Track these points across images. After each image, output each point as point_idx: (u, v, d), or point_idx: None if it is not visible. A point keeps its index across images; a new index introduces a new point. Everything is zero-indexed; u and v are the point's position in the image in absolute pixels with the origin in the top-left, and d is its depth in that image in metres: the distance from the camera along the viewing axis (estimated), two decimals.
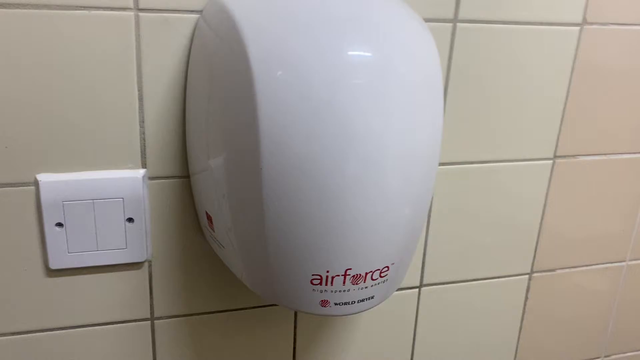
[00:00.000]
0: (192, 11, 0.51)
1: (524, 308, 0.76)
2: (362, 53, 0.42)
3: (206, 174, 0.49)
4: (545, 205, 0.71)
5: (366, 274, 0.46)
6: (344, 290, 0.46)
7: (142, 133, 0.53)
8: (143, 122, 0.53)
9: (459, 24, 0.59)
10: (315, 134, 0.40)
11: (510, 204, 0.69)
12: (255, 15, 0.43)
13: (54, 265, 0.54)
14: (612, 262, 0.78)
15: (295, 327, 0.65)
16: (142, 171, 0.54)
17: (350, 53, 0.41)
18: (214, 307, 0.61)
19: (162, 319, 0.60)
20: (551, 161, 0.69)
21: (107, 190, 0.53)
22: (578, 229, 0.74)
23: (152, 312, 0.59)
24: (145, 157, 0.54)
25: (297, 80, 0.40)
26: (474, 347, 0.76)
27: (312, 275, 0.45)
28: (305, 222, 0.43)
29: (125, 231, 0.55)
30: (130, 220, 0.54)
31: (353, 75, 0.41)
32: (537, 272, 0.74)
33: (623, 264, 0.79)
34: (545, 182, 0.69)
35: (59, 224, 0.53)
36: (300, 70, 0.40)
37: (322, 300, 0.46)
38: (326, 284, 0.45)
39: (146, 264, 0.57)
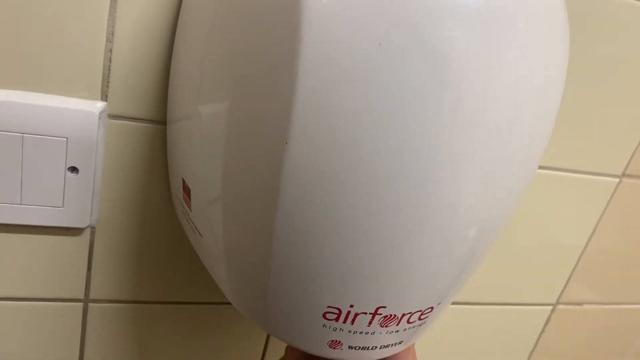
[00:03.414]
0: None
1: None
2: None
3: (192, 122, 0.33)
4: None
5: (402, 315, 0.32)
6: (366, 333, 0.32)
7: (109, 50, 0.36)
8: (112, 34, 0.36)
9: None
10: (373, 107, 0.25)
11: None
12: None
13: None
14: None
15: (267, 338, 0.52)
16: (100, 104, 0.38)
17: None
18: (165, 296, 0.46)
19: (98, 302, 0.45)
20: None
21: (46, 123, 0.36)
22: None
23: (86, 292, 0.44)
24: (107, 85, 0.37)
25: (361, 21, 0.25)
26: None
27: (328, 307, 0.31)
28: (335, 231, 0.28)
29: (65, 184, 0.39)
30: (73, 169, 0.38)
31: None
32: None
33: None
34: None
35: None
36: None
37: (332, 341, 0.32)
38: (344, 321, 0.31)
39: (88, 231, 0.42)
